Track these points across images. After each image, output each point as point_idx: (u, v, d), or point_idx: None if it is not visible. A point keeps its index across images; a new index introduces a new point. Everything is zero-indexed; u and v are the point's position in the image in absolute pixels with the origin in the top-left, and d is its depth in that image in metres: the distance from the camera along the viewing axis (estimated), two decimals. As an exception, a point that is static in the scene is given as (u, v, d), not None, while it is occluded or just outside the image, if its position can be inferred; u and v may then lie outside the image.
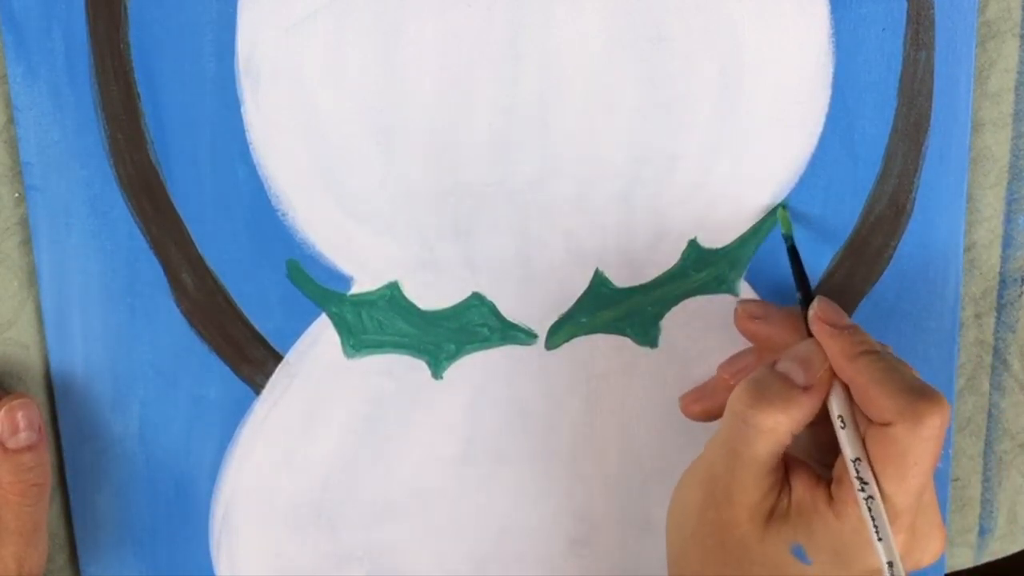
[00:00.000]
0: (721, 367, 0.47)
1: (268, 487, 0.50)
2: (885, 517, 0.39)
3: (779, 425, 0.40)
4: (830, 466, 0.42)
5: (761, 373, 0.42)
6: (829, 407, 0.41)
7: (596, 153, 0.46)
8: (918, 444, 0.39)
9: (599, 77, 0.45)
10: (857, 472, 0.39)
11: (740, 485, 0.41)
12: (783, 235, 0.46)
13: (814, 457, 0.43)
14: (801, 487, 0.41)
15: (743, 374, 0.44)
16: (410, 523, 0.51)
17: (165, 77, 0.45)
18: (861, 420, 0.41)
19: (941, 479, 0.52)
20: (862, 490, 0.39)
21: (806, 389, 0.41)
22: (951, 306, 0.50)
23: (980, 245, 0.51)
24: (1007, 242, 0.51)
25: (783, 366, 0.42)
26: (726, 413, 0.41)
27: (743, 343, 0.49)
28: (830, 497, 0.41)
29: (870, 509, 0.39)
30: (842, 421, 0.41)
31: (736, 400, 0.41)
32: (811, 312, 0.43)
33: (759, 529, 0.41)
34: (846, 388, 0.41)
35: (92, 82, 0.44)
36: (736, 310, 0.46)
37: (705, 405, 0.47)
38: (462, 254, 0.47)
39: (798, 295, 0.44)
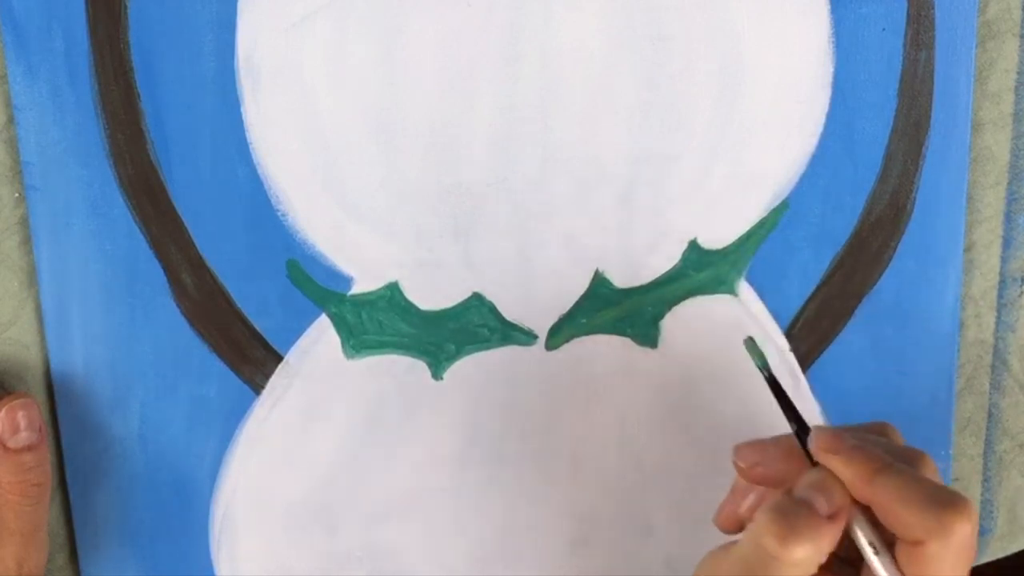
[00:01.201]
0: (740, 455, 0.43)
1: (268, 487, 0.50)
2: None
3: (809, 558, 0.39)
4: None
5: (784, 504, 0.40)
6: (853, 534, 0.40)
7: (596, 153, 0.46)
8: (952, 556, 0.38)
9: (599, 77, 0.45)
10: None
11: None
12: (758, 367, 0.43)
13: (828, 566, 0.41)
14: None
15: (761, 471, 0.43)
16: (410, 523, 0.51)
17: (165, 77, 0.45)
18: (887, 536, 0.40)
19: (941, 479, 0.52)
20: None
21: (830, 518, 0.39)
22: (951, 306, 0.50)
23: (980, 245, 0.51)
24: (1007, 242, 0.51)
25: (803, 494, 0.40)
26: (749, 541, 0.39)
27: (743, 344, 0.49)
28: None
29: None
30: (874, 548, 0.39)
31: (764, 533, 0.39)
32: (812, 447, 0.41)
33: None
34: (867, 509, 0.40)
35: (92, 82, 0.44)
36: (735, 463, 0.43)
37: (736, 516, 0.44)
38: (462, 254, 0.47)
39: (793, 427, 0.42)
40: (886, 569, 0.39)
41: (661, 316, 0.49)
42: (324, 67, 0.45)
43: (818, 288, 0.49)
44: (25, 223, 0.46)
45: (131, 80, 0.45)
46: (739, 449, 0.43)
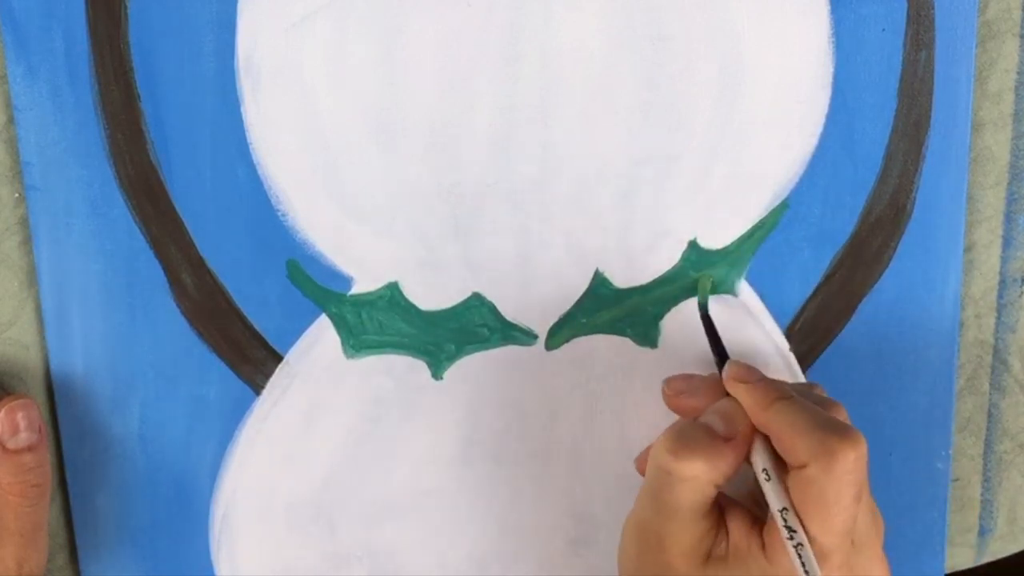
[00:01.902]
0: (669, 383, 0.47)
1: (268, 487, 0.50)
2: (815, 562, 0.39)
3: (701, 474, 0.40)
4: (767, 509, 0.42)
5: (683, 424, 0.43)
6: (753, 462, 0.42)
7: (596, 153, 0.46)
8: (834, 482, 0.39)
9: (599, 77, 0.45)
10: (785, 521, 0.40)
11: (670, 533, 0.41)
12: (699, 303, 0.47)
13: (754, 501, 0.43)
14: (738, 531, 0.42)
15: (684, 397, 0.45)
16: (410, 523, 0.51)
17: (165, 77, 0.45)
18: (785, 468, 0.41)
19: (941, 479, 0.52)
20: (790, 538, 0.39)
21: (728, 440, 0.41)
22: (951, 306, 0.50)
23: (980, 245, 0.51)
24: (1007, 242, 0.51)
25: (705, 418, 0.43)
26: (650, 463, 0.42)
27: (743, 345, 0.49)
28: (764, 542, 0.41)
29: (800, 556, 0.39)
30: (766, 474, 0.41)
31: (658, 449, 0.41)
32: (724, 374, 0.44)
33: (696, 572, 0.41)
34: (768, 440, 0.42)
35: (92, 82, 0.44)
36: (663, 391, 0.46)
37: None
38: (462, 254, 0.47)
39: (715, 360, 0.45)
40: (775, 494, 0.40)
41: (661, 316, 0.49)
42: (324, 67, 0.45)
43: (818, 288, 0.49)
44: (25, 223, 0.46)
45: (131, 80, 0.45)
46: (669, 379, 0.46)
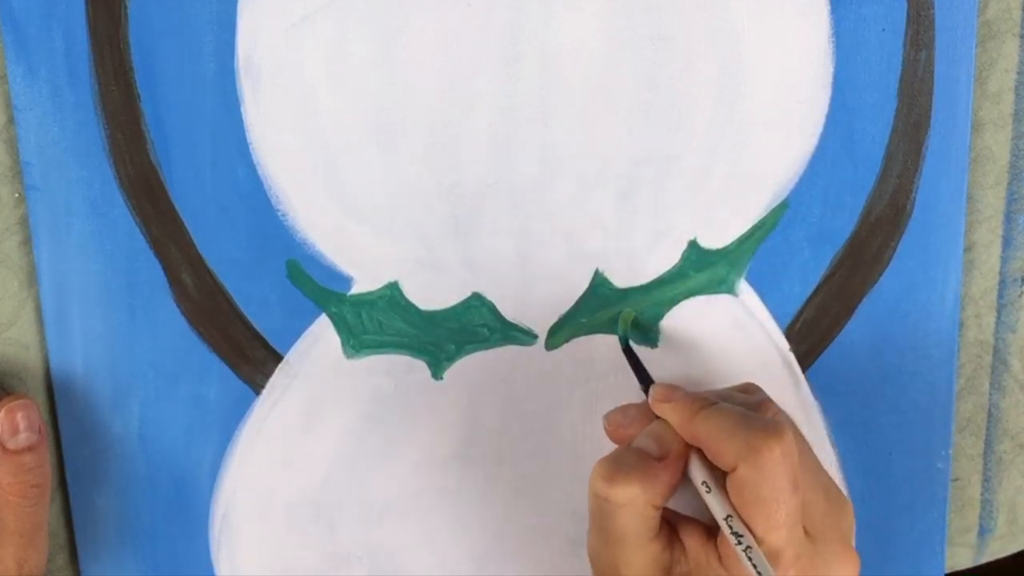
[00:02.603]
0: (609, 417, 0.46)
1: (268, 487, 0.50)
2: (766, 563, 0.39)
3: (636, 498, 0.40)
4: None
5: (617, 451, 0.43)
6: (692, 476, 0.42)
7: (596, 153, 0.46)
8: (766, 479, 0.39)
9: (599, 77, 0.45)
10: (731, 528, 0.40)
11: (623, 561, 0.41)
12: (619, 337, 0.48)
13: (707, 516, 0.43)
14: (695, 547, 0.42)
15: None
16: (410, 523, 0.51)
17: (165, 77, 0.45)
18: (724, 476, 0.41)
19: (941, 479, 0.52)
20: (739, 543, 0.39)
21: (661, 460, 0.41)
22: (951, 306, 0.50)
23: (980, 245, 0.51)
24: (1007, 242, 0.51)
25: (637, 442, 0.43)
26: (589, 494, 0.42)
27: (742, 345, 0.49)
28: (720, 553, 0.41)
29: (751, 559, 0.39)
30: (706, 486, 0.41)
31: (594, 479, 0.41)
32: (649, 398, 0.44)
33: None
34: (702, 452, 0.42)
35: (92, 82, 0.44)
36: (605, 427, 0.45)
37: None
38: (462, 254, 0.47)
39: (641, 388, 0.45)
40: (717, 503, 0.40)
41: (661, 316, 0.49)
42: (324, 67, 0.45)
43: (818, 288, 0.49)
44: (25, 223, 0.46)
45: (131, 80, 0.45)
46: (607, 414, 0.45)
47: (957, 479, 0.54)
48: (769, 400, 0.44)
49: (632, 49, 0.45)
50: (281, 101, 0.45)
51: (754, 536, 0.39)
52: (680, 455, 0.42)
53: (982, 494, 0.55)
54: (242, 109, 0.45)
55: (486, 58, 0.45)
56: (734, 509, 0.40)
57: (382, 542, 0.51)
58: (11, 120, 0.45)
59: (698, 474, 0.41)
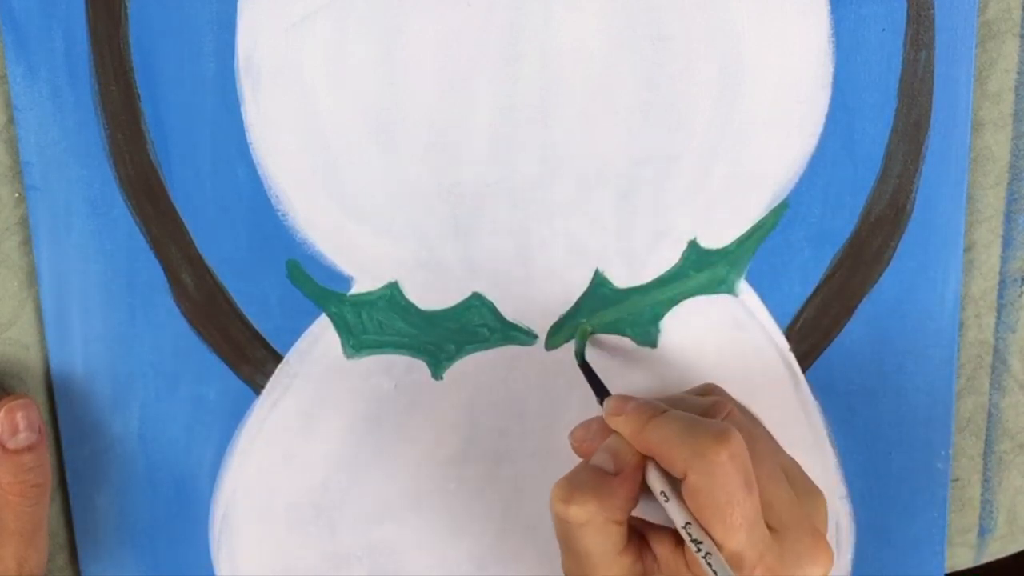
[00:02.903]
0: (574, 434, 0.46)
1: (268, 487, 0.50)
2: (727, 567, 0.39)
3: (595, 516, 0.40)
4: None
5: (573, 472, 0.42)
6: (651, 487, 0.41)
7: (596, 153, 0.46)
8: (717, 484, 0.39)
9: (599, 77, 0.45)
10: (690, 536, 0.39)
11: None
12: (575, 351, 0.48)
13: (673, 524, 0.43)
14: (665, 556, 0.41)
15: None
16: (410, 523, 0.51)
17: (165, 77, 0.45)
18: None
19: (941, 479, 0.52)
20: (699, 551, 0.39)
21: (618, 475, 0.41)
22: (951, 306, 0.50)
23: (980, 245, 0.51)
24: (1007, 242, 0.51)
25: (594, 460, 0.42)
26: (552, 516, 0.41)
27: (742, 345, 0.49)
28: (687, 560, 0.41)
29: (711, 565, 0.39)
30: (664, 495, 0.41)
31: (553, 500, 0.41)
32: (603, 412, 0.44)
33: None
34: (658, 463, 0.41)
35: (92, 82, 0.44)
36: (571, 443, 0.45)
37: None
38: (462, 254, 0.47)
39: (598, 401, 0.45)
40: (675, 511, 0.40)
41: (661, 316, 0.49)
42: (324, 67, 0.45)
43: (818, 288, 0.49)
44: (25, 223, 0.46)
45: (131, 80, 0.45)
46: (572, 431, 0.45)
47: (957, 479, 0.54)
48: (724, 400, 0.44)
49: (632, 49, 0.45)
50: (281, 101, 0.45)
51: (714, 541, 0.39)
52: (636, 467, 0.41)
53: (982, 494, 0.55)
54: (242, 109, 0.45)
55: (486, 58, 0.45)
56: (692, 516, 0.40)
57: (382, 542, 0.51)
58: (11, 120, 0.45)
59: (656, 484, 0.41)
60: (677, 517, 0.40)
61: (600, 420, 0.44)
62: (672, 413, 0.42)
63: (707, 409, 0.43)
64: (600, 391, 0.45)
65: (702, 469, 0.39)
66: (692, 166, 0.47)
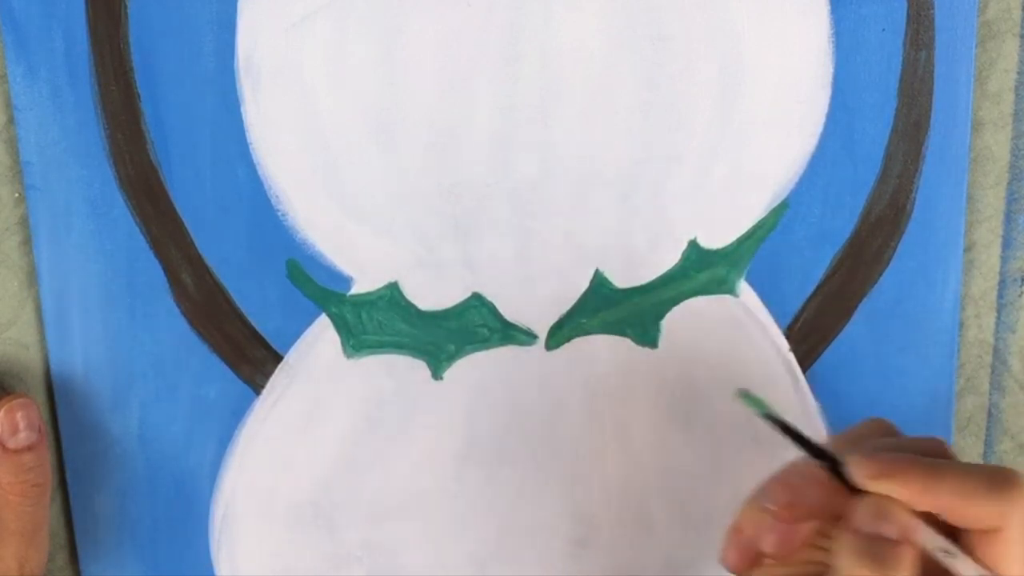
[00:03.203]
0: (757, 503, 0.40)
1: (268, 487, 0.50)
2: None
3: None
4: None
5: (862, 545, 0.38)
6: (927, 546, 0.38)
7: (596, 153, 0.46)
8: None
9: (599, 77, 0.45)
10: None
11: None
12: (763, 416, 0.40)
13: None
14: None
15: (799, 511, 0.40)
16: (410, 523, 0.51)
17: (165, 77, 0.45)
18: (954, 536, 0.38)
19: (941, 479, 0.52)
20: None
21: (903, 542, 0.37)
22: (951, 306, 0.50)
23: (980, 245, 0.51)
24: (1007, 242, 0.51)
25: (874, 527, 0.38)
26: None
27: (743, 345, 0.49)
28: None
29: None
30: (946, 552, 0.38)
31: (849, 568, 0.37)
32: (858, 478, 0.38)
33: None
34: (929, 516, 0.38)
35: (92, 82, 0.44)
36: (767, 509, 0.39)
37: (752, 554, 0.40)
38: (462, 254, 0.47)
39: (823, 464, 0.39)
40: (968, 568, 0.38)
41: (661, 316, 0.49)
42: (324, 67, 0.45)
43: (818, 288, 0.49)
44: (25, 223, 0.46)
45: (131, 80, 0.45)
46: (765, 492, 0.40)
47: (957, 479, 0.54)
48: (939, 438, 0.41)
49: (632, 49, 0.45)
50: (281, 101, 0.45)
51: None
52: (914, 529, 0.38)
53: (982, 494, 0.54)
54: (242, 109, 0.45)
55: (486, 58, 0.45)
56: (986, 566, 0.37)
57: (382, 542, 0.51)
58: (11, 120, 0.45)
59: (934, 541, 0.38)
60: (970, 570, 0.38)
61: (800, 472, 0.39)
62: (950, 466, 0.38)
63: (928, 451, 0.40)
64: (817, 452, 0.39)
65: (1021, 518, 0.37)
66: (692, 166, 0.47)
